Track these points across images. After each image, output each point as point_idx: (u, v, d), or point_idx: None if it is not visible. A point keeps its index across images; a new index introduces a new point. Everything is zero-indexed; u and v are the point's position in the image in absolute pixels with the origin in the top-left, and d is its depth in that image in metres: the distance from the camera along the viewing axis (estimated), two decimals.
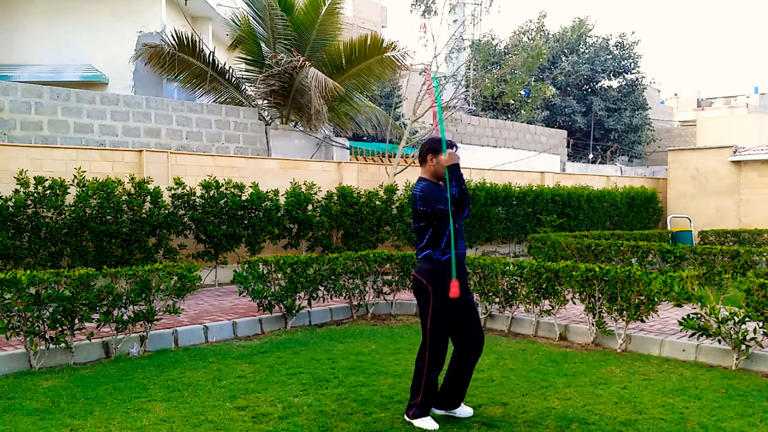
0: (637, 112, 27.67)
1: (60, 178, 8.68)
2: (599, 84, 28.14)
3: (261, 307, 7.37)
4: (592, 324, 6.52)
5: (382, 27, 29.80)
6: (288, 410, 4.45)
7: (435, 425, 4.16)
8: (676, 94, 54.10)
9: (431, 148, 4.26)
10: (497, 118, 23.75)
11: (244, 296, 7.52)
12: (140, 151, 10.18)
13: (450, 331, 4.27)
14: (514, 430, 4.10)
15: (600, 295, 6.36)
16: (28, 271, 5.61)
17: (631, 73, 28.04)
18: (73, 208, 8.67)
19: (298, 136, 14.30)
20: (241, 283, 7.24)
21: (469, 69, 16.66)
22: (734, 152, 18.44)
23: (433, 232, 4.18)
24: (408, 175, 13.07)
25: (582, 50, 27.83)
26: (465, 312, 4.27)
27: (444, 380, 4.37)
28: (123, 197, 9.10)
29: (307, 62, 13.09)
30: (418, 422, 4.19)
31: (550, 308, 6.85)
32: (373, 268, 8.10)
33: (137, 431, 4.10)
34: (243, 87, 14.91)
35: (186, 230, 9.82)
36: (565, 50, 27.93)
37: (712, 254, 9.54)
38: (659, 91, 39.61)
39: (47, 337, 5.66)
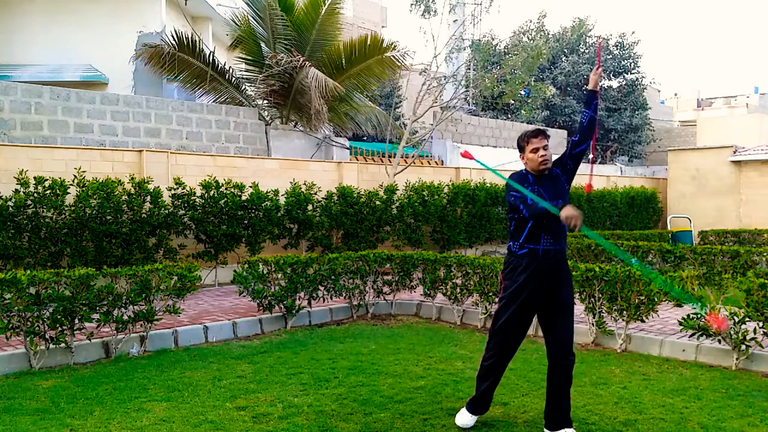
0: (637, 112, 27.65)
1: (60, 178, 8.67)
2: (599, 84, 28.10)
3: (261, 307, 7.37)
4: (592, 324, 6.52)
5: (382, 27, 29.79)
6: (288, 410, 4.45)
7: (468, 422, 4.10)
8: (676, 94, 54.13)
9: (526, 137, 4.08)
10: (497, 118, 23.74)
11: (244, 296, 7.53)
12: (140, 151, 10.18)
13: (522, 335, 4.06)
14: (514, 430, 4.10)
15: (600, 295, 6.36)
16: (28, 271, 5.61)
17: (631, 73, 28.01)
18: (73, 208, 8.67)
19: (298, 136, 14.30)
20: (241, 283, 7.24)
21: (469, 69, 16.63)
22: (734, 152, 18.44)
23: (516, 224, 3.99)
24: (408, 175, 13.06)
25: (582, 50, 27.79)
26: (551, 312, 3.96)
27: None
28: (123, 197, 9.10)
29: (307, 62, 13.09)
30: (459, 414, 4.19)
31: None
32: (373, 268, 8.10)
33: (137, 431, 4.10)
34: (243, 87, 14.91)
35: (186, 230, 9.82)
36: (565, 50, 27.90)
37: (712, 254, 9.53)
38: (659, 91, 39.61)
39: (47, 337, 5.67)
